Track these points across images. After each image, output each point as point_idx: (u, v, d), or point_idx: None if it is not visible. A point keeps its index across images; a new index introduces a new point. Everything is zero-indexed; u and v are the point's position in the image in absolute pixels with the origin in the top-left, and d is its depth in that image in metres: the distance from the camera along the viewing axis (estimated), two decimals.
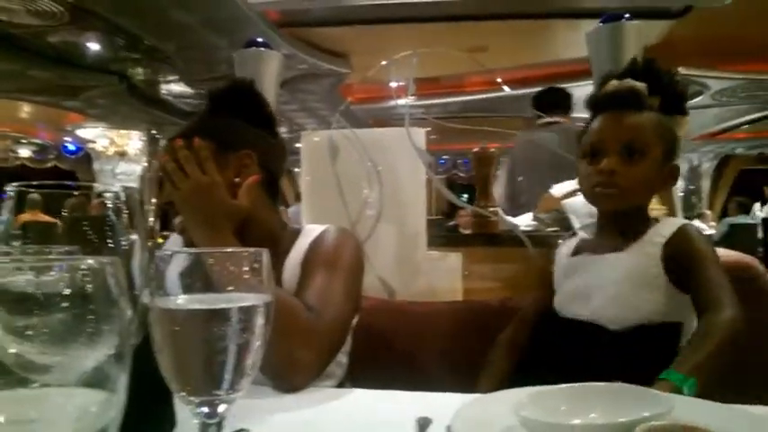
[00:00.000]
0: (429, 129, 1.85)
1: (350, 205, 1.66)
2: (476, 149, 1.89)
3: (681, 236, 1.12)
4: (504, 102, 7.45)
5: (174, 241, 1.19)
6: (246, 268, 0.54)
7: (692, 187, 11.95)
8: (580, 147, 1.20)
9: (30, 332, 0.37)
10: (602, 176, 1.14)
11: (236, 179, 1.11)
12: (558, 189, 2.00)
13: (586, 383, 0.71)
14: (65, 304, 0.37)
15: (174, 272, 0.53)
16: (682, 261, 1.09)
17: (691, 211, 10.00)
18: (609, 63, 2.25)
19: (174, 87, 7.33)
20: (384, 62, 1.77)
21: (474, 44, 5.30)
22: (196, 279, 0.53)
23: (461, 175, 12.98)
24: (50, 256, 0.44)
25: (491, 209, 1.87)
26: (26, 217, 0.56)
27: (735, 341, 0.97)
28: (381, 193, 1.68)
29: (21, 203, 0.53)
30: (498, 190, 2.85)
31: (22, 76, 6.53)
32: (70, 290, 0.37)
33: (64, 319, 0.38)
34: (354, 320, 1.21)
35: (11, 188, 0.52)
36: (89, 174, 11.28)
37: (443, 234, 2.11)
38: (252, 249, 0.55)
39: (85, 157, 11.25)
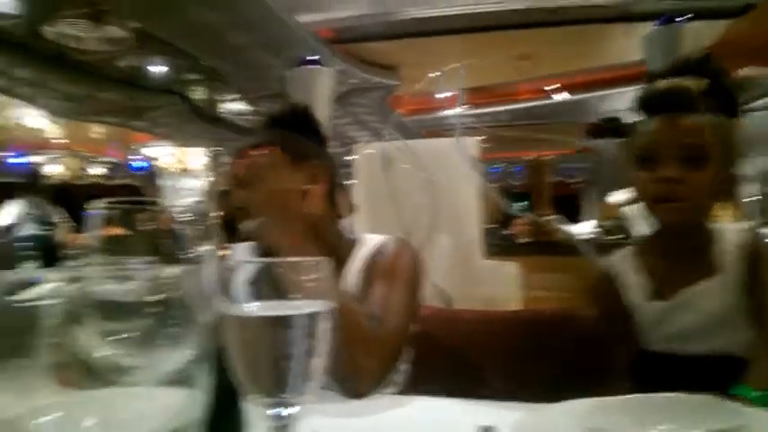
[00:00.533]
0: (484, 137, 1.84)
1: (404, 216, 1.68)
2: (531, 157, 1.87)
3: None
4: (557, 108, 7.33)
5: (241, 250, 1.23)
6: (311, 276, 0.56)
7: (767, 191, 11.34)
8: (631, 152, 1.10)
9: (118, 336, 0.40)
10: (662, 186, 1.04)
11: (306, 187, 1.15)
12: (616, 196, 1.95)
13: (651, 394, 0.69)
14: (150, 310, 0.40)
15: (242, 280, 0.55)
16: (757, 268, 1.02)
17: (766, 216, 9.49)
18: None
19: (232, 105, 7.58)
20: (432, 74, 1.78)
21: (522, 52, 5.25)
22: (264, 287, 0.56)
23: (515, 183, 12.83)
24: (135, 266, 0.47)
25: (548, 217, 1.84)
26: (104, 231, 0.60)
27: None
28: (435, 202, 1.69)
29: (105, 219, 0.57)
30: None
31: (92, 98, 6.91)
32: (154, 297, 0.40)
33: (149, 323, 0.40)
34: (413, 329, 1.22)
35: (99, 206, 0.56)
36: (155, 189, 11.77)
37: (499, 243, 2.10)
38: (316, 258, 0.57)
39: (151, 173, 11.74)
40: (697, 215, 1.08)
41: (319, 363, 0.53)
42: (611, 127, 3.03)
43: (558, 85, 6.16)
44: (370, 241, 1.21)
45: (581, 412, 0.65)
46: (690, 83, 1.07)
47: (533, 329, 1.40)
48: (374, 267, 1.15)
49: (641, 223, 1.71)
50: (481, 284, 1.66)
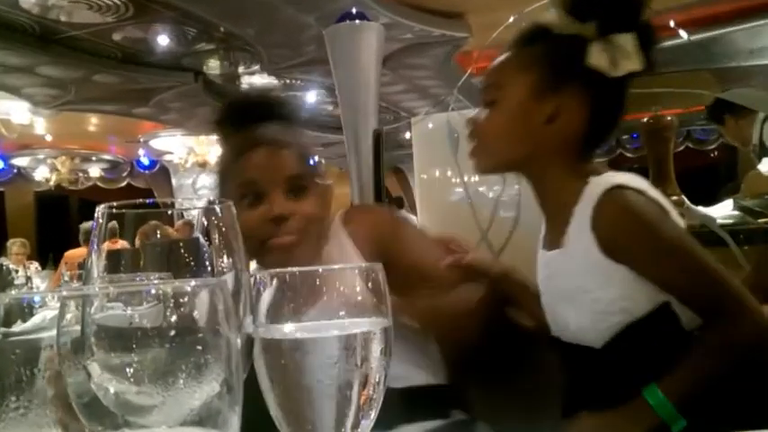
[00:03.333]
0: None
1: (479, 207, 1.68)
2: (646, 119, 1.81)
3: (610, 208, 1.15)
4: (678, 52, 7.07)
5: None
6: (359, 288, 0.58)
7: None
8: None
9: (128, 369, 0.43)
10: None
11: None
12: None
13: None
14: (164, 336, 0.43)
15: (277, 296, 0.58)
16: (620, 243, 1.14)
17: None
18: None
19: (256, 80, 7.74)
20: (512, 18, 1.77)
21: None
22: (301, 303, 0.58)
23: (628, 155, 12.50)
24: (146, 285, 0.49)
25: (673, 197, 1.79)
26: (108, 244, 0.64)
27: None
28: (520, 188, 1.68)
29: (108, 230, 0.61)
30: None
31: (86, 83, 7.22)
32: (168, 320, 0.43)
33: (164, 353, 0.43)
34: None
35: (99, 214, 0.59)
36: (167, 190, 12.20)
37: None
38: (364, 265, 0.59)
39: (162, 171, 12.18)
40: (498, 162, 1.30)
41: (373, 395, 0.55)
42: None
43: (684, 20, 5.94)
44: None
45: None
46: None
47: None
48: None
49: None
50: None
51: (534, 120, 1.23)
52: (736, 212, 2.00)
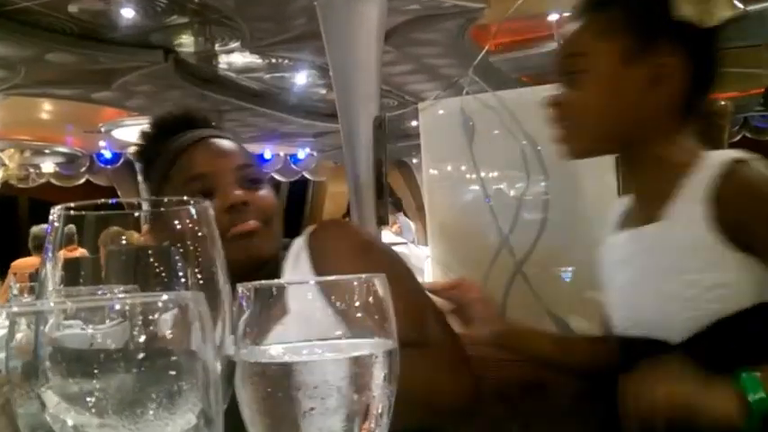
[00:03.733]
0: None
1: (498, 207, 1.68)
2: None
3: (736, 181, 1.17)
4: (733, 25, 7.06)
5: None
6: (358, 303, 0.58)
7: None
8: None
9: (90, 398, 0.43)
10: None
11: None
12: None
13: None
14: (131, 359, 0.43)
15: (263, 312, 0.58)
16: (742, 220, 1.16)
17: None
18: None
19: (235, 59, 7.75)
20: None
21: None
22: (291, 320, 0.58)
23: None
24: (107, 298, 0.49)
25: None
26: (64, 252, 0.64)
27: None
28: (548, 185, 1.68)
29: (64, 235, 0.61)
30: None
31: (39, 62, 7.22)
32: (136, 341, 0.43)
33: (131, 378, 0.43)
34: None
35: (55, 216, 0.59)
36: (133, 189, 12.20)
37: None
38: (363, 276, 0.59)
39: (126, 166, 12.17)
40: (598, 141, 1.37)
41: (375, 429, 0.55)
42: None
43: None
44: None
45: None
46: None
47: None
48: None
49: None
50: None
51: (634, 86, 1.27)
52: None
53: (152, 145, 1.55)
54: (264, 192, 1.45)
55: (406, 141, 8.82)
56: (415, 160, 11.91)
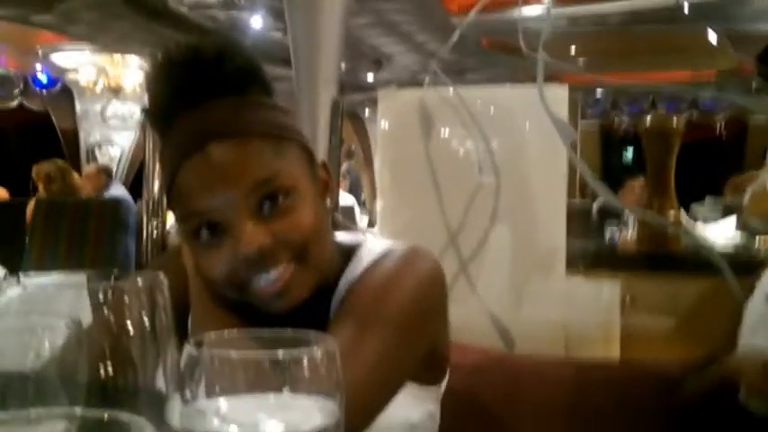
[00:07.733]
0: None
1: (450, 205, 1.68)
2: (649, 120, 1.85)
3: None
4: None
5: None
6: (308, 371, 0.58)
7: None
8: None
9: None
10: None
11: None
12: None
13: None
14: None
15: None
16: None
17: None
18: None
19: None
20: None
21: None
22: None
23: (624, 118, 12.64)
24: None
25: (670, 211, 1.82)
26: None
27: None
28: (498, 185, 1.69)
29: None
30: None
31: None
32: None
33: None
34: (443, 386, 1.27)
35: None
36: (69, 117, 11.89)
37: (594, 250, 2.11)
38: (312, 333, 0.60)
39: (64, 93, 11.84)
40: None
41: None
42: None
43: None
44: (369, 253, 1.24)
45: None
46: None
47: (630, 391, 1.43)
48: (350, 298, 1.17)
49: None
50: (561, 314, 1.68)
51: None
52: (739, 232, 2.06)
53: (154, 119, 1.19)
54: (294, 207, 1.12)
55: (360, 95, 8.77)
56: (367, 113, 11.87)
